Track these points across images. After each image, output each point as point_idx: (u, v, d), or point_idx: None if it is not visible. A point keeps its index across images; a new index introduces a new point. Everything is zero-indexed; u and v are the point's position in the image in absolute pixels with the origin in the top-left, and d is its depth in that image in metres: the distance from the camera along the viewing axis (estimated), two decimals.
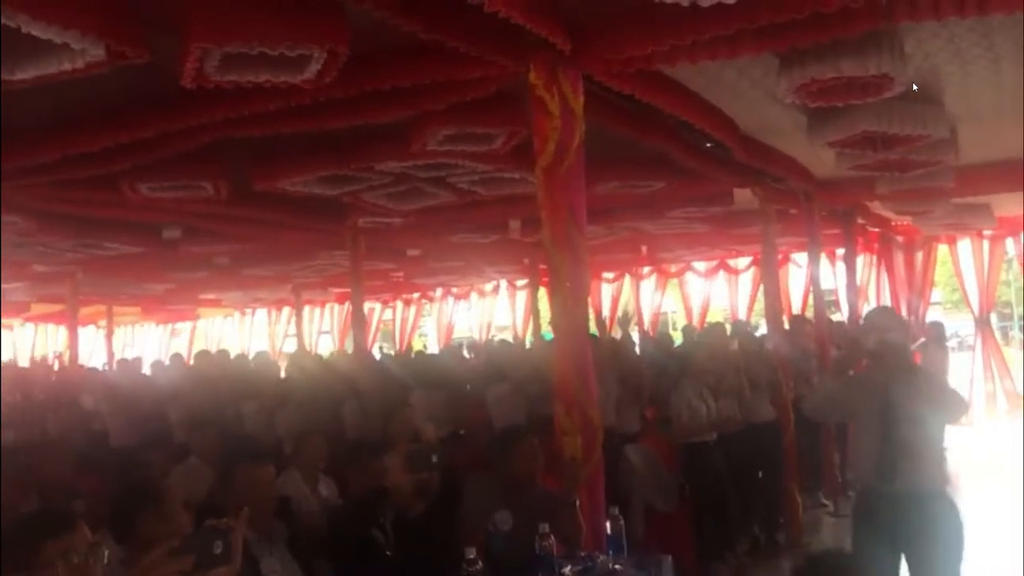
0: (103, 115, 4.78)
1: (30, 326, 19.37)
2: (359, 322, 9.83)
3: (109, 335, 15.67)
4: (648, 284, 15.88)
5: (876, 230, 12.20)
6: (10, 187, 6.09)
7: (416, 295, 18.22)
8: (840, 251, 10.91)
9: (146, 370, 11.17)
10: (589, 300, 4.40)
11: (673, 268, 15.63)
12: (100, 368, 13.21)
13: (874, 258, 13.44)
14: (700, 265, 15.39)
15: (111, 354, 14.83)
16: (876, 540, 4.06)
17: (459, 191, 7.14)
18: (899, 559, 4.06)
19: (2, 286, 12.05)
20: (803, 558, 2.37)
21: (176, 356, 12.11)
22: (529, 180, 6.48)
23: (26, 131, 5.11)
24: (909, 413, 4.01)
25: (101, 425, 8.17)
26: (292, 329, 18.38)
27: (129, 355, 14.60)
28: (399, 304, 18.66)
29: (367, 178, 6.50)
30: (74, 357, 12.09)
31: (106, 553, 2.09)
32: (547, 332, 12.53)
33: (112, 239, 8.84)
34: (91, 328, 18.38)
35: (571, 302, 3.95)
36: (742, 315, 14.58)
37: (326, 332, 19.54)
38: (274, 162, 6.04)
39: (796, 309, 13.20)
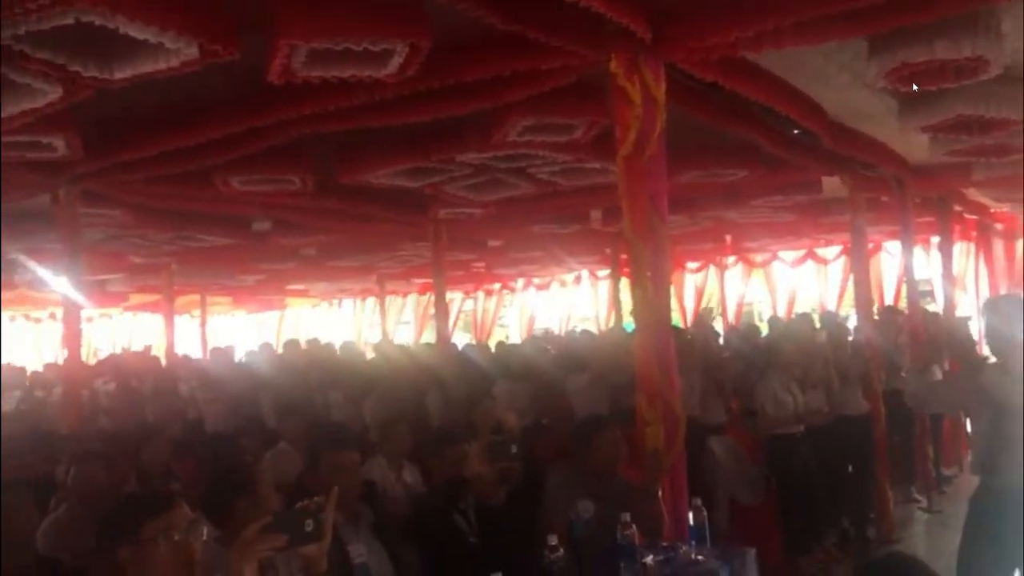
0: (197, 112, 4.95)
1: (129, 315, 20.13)
2: (441, 312, 9.94)
3: (203, 324, 16.17)
4: (733, 274, 15.61)
5: (974, 218, 11.73)
6: (111, 182, 6.37)
7: (497, 286, 18.31)
8: (935, 240, 10.55)
9: (238, 358, 11.50)
10: (672, 290, 4.37)
11: (759, 258, 15.32)
12: (195, 356, 13.67)
13: (972, 247, 12.92)
14: (787, 255, 15.05)
15: (205, 343, 15.30)
16: (983, 535, 3.98)
17: (539, 181, 7.15)
18: (1007, 553, 3.95)
19: (101, 277, 12.59)
20: (867, 560, 2.32)
21: (266, 345, 12.45)
22: (610, 170, 6.45)
23: (125, 129, 5.35)
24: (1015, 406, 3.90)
25: (196, 412, 8.47)
26: (376, 319, 18.69)
27: (221, 344, 15.04)
28: (480, 294, 18.79)
29: (448, 169, 6.57)
30: (170, 346, 12.54)
31: (204, 530, 2.18)
32: (629, 323, 12.50)
33: (205, 231, 9.14)
34: (185, 317, 19.02)
35: (653, 292, 3.93)
36: (831, 306, 14.21)
37: (406, 322, 19.80)
38: (358, 155, 6.16)
39: (888, 300, 12.81)
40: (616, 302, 12.99)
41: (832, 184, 7.99)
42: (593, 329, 14.16)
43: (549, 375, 7.07)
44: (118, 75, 3.90)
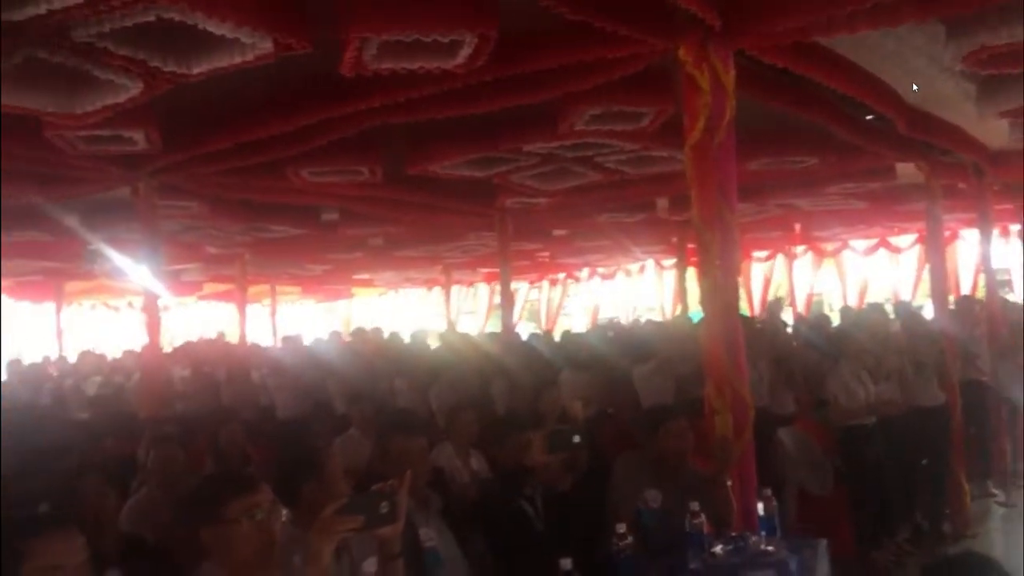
0: (270, 105, 5.06)
1: (202, 304, 20.66)
2: (507, 302, 9.99)
3: (273, 313, 16.53)
4: (802, 263, 15.34)
5: None
6: (187, 175, 6.56)
7: (562, 275, 18.30)
8: (1015, 228, 10.22)
9: (307, 346, 11.72)
10: (740, 279, 4.33)
11: (829, 247, 15.03)
12: (266, 344, 13.99)
13: None
14: (858, 243, 14.73)
15: (275, 331, 15.65)
16: None
17: (606, 170, 7.13)
18: None
19: (177, 267, 12.95)
20: (940, 557, 2.28)
21: (334, 333, 12.68)
22: (677, 158, 6.41)
23: (202, 123, 5.50)
24: None
25: (268, 398, 8.67)
26: (441, 308, 18.86)
27: (290, 332, 15.34)
28: (545, 284, 18.80)
29: (515, 159, 6.60)
30: (243, 333, 12.86)
31: (283, 512, 2.25)
32: (695, 312, 12.37)
33: (277, 222, 9.33)
34: (256, 306, 19.46)
35: (721, 281, 3.90)
36: (905, 295, 13.88)
37: (471, 312, 19.93)
38: (427, 145, 6.22)
39: (965, 289, 12.45)
40: (682, 291, 12.90)
41: (906, 171, 7.80)
42: (658, 319, 14.08)
43: (614, 364, 7.06)
44: (195, 70, 4.02)
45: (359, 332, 11.60)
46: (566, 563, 2.55)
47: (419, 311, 20.72)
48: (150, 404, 6.78)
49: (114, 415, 7.04)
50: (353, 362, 9.16)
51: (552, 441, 4.10)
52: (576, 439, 4.08)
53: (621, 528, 3.05)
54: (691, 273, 13.03)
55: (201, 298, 19.54)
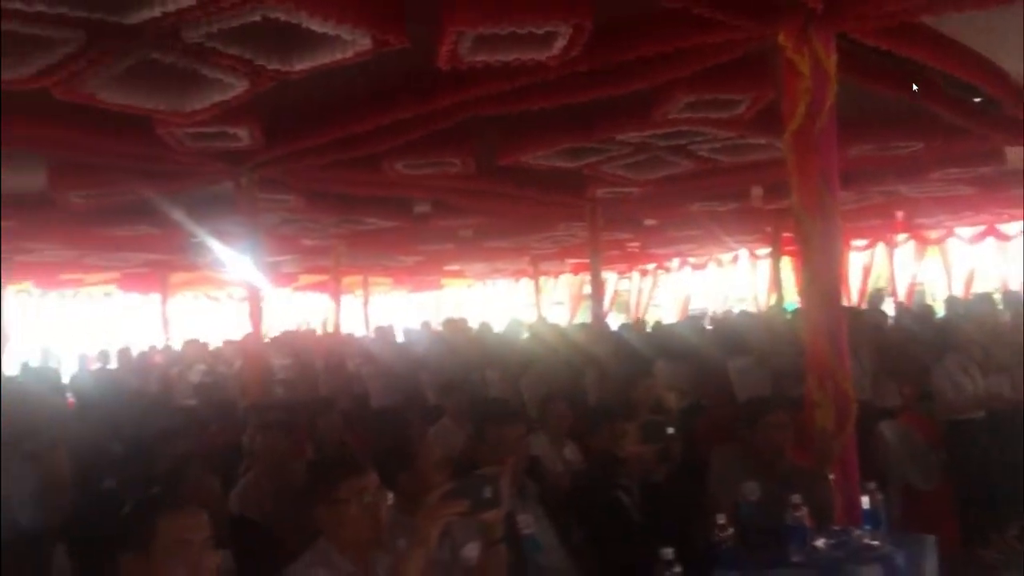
0: (367, 100, 5.16)
1: (298, 295, 21.20)
2: (597, 292, 9.96)
3: (366, 304, 16.84)
4: (904, 252, 14.83)
5: None
6: (287, 169, 6.74)
7: (652, 265, 18.13)
8: None
9: (398, 336, 11.93)
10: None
11: (933, 235, 14.48)
12: (360, 334, 14.28)
13: None
14: (964, 231, 14.15)
15: (367, 321, 15.95)
16: None
17: (699, 159, 7.05)
18: None
19: (275, 259, 13.33)
20: None
21: (425, 324, 12.87)
22: (774, 146, 6.28)
23: (301, 118, 5.65)
24: None
25: (362, 387, 8.87)
26: (529, 299, 18.91)
27: (382, 323, 15.63)
28: (635, 274, 18.66)
29: (607, 149, 6.58)
30: (337, 324, 13.16)
31: (390, 496, 2.32)
32: (790, 303, 12.11)
33: (370, 215, 9.51)
34: (349, 297, 19.85)
35: (823, 271, 3.82)
36: (1015, 286, 13.27)
37: (559, 303, 19.92)
38: (519, 136, 6.25)
39: None
40: (777, 281, 12.63)
41: (1017, 155, 7.47)
42: (752, 309, 13.83)
43: (708, 356, 6.98)
44: (298, 67, 4.14)
45: (450, 323, 11.74)
46: (667, 552, 2.54)
47: (507, 302, 20.82)
48: (252, 392, 7.00)
49: (217, 403, 7.29)
50: (444, 353, 9.29)
51: (646, 432, 4.09)
52: (670, 430, 4.07)
53: (721, 519, 3.02)
54: (786, 263, 12.77)
55: (296, 289, 20.06)
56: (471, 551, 2.57)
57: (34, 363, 11.12)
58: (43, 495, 2.69)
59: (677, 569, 2.54)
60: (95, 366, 11.80)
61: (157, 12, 3.49)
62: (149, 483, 3.86)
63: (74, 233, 9.73)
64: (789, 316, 9.34)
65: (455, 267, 17.67)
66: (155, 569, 1.97)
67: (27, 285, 14.74)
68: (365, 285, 16.78)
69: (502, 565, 2.44)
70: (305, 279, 17.80)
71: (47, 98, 4.41)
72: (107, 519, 2.95)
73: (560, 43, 3.87)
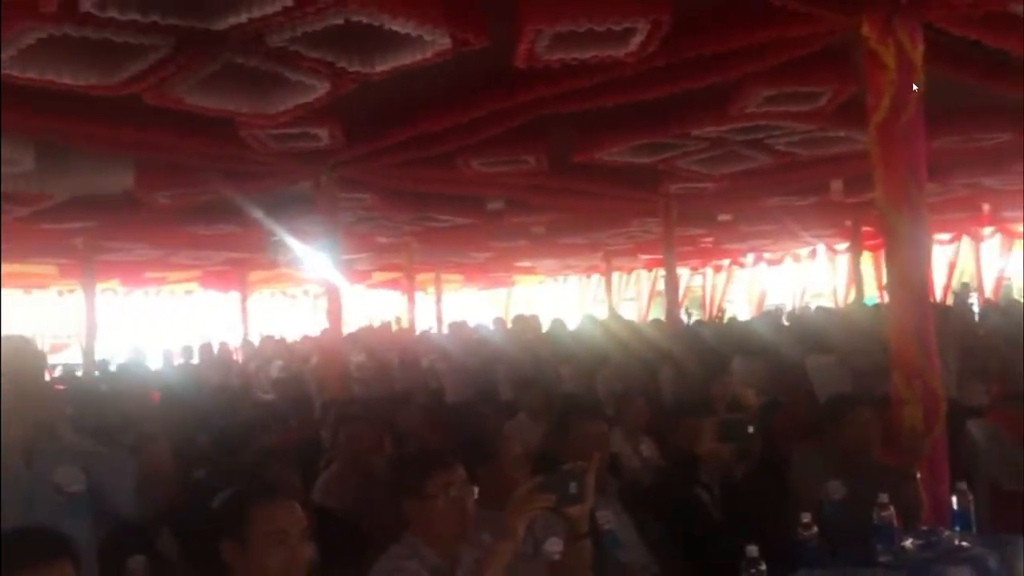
0: (444, 99, 5.22)
1: (371, 292, 21.51)
2: (671, 289, 9.89)
3: (438, 300, 17.01)
4: (990, 246, 14.35)
5: None
6: (364, 168, 6.86)
7: (726, 261, 17.91)
8: None
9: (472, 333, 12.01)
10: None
11: (1021, 228, 13.98)
12: (432, 331, 14.45)
13: None
14: None
15: (440, 318, 16.12)
16: None
17: (777, 153, 6.94)
18: None
19: (350, 256, 13.55)
20: None
21: (499, 320, 12.95)
22: (855, 138, 6.15)
23: (379, 118, 5.74)
24: None
25: (436, 383, 8.97)
26: (600, 295, 18.87)
27: (456, 319, 15.76)
28: (708, 270, 18.45)
29: (682, 144, 6.53)
30: (411, 320, 13.33)
31: (476, 491, 2.36)
32: (870, 298, 11.82)
33: (444, 212, 9.60)
34: (420, 294, 20.06)
35: (910, 265, 3.73)
36: None
37: (631, 299, 19.81)
38: (593, 133, 6.25)
39: None
40: (857, 277, 12.36)
41: None
42: (829, 305, 13.56)
43: (785, 353, 6.87)
44: (378, 68, 4.21)
45: (520, 319, 11.79)
46: (752, 550, 2.52)
47: (578, 298, 20.80)
48: (330, 388, 7.13)
49: (295, 398, 7.45)
50: (518, 348, 9.33)
51: (725, 429, 4.05)
52: (751, 429, 4.02)
53: (806, 518, 2.98)
54: (866, 258, 12.48)
55: (370, 286, 20.37)
56: (553, 545, 2.59)
57: (121, 360, 11.53)
58: (144, 486, 2.80)
59: (762, 567, 2.52)
60: (178, 362, 12.18)
61: (243, 18, 3.59)
62: (235, 475, 3.99)
63: (159, 232, 10.07)
64: (869, 312, 9.13)
65: (526, 264, 17.72)
66: (252, 557, 2.04)
67: (113, 283, 15.25)
68: (437, 282, 16.95)
69: (587, 560, 2.45)
70: (378, 276, 18.06)
71: (136, 102, 4.58)
72: (201, 508, 3.07)
73: (638, 39, 3.86)
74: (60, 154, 5.97)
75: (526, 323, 11.31)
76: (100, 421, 3.93)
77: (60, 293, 16.04)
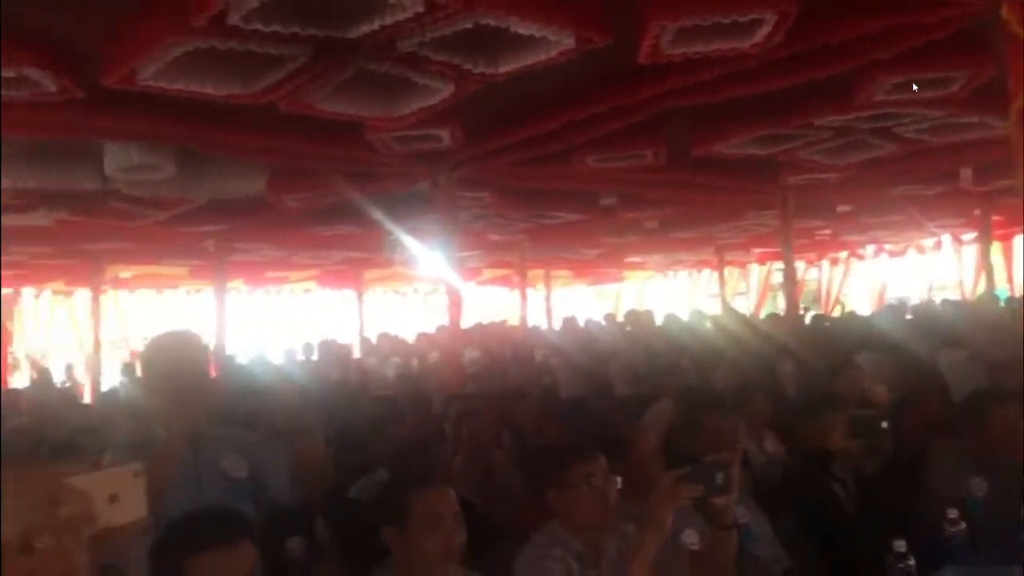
0: (564, 97, 5.27)
1: (481, 289, 21.77)
2: (790, 282, 9.70)
3: (548, 297, 17.09)
4: None
5: None
6: (483, 167, 6.98)
7: (844, 253, 17.37)
8: None
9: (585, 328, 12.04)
10: None
11: None
12: (543, 327, 14.54)
13: None
14: None
15: (550, 314, 16.20)
16: None
17: (904, 141, 6.71)
18: None
19: (462, 254, 13.76)
20: None
21: (610, 316, 12.94)
22: (987, 124, 5.92)
23: (498, 117, 5.84)
24: None
25: (550, 378, 9.03)
26: (711, 290, 18.58)
27: (568, 315, 15.81)
28: (825, 263, 17.94)
29: (803, 135, 6.40)
30: (524, 316, 13.45)
31: (618, 481, 2.41)
32: (1000, 290, 11.29)
33: (557, 209, 9.67)
34: (530, 290, 20.16)
35: None
36: None
37: (742, 293, 19.44)
38: (713, 126, 6.19)
39: None
40: (986, 268, 11.82)
41: None
42: (955, 297, 13.01)
43: (913, 347, 6.65)
44: (502, 69, 4.30)
45: (634, 314, 11.75)
46: (900, 545, 2.49)
47: (688, 293, 20.54)
48: (449, 383, 7.29)
49: (414, 394, 7.64)
50: (631, 344, 9.32)
51: (856, 425, 3.97)
52: (884, 425, 3.93)
53: (953, 514, 2.91)
54: (996, 248, 11.93)
55: (479, 283, 20.62)
56: (690, 537, 2.61)
57: (248, 357, 12.02)
58: (302, 475, 2.96)
59: (911, 561, 2.48)
60: (300, 359, 12.61)
61: (376, 25, 3.74)
62: (364, 468, 4.14)
63: (284, 234, 10.49)
64: (1003, 304, 8.74)
65: (636, 259, 17.62)
66: (412, 540, 2.15)
67: (237, 283, 15.92)
68: (547, 278, 17.04)
69: (732, 551, 2.47)
70: (488, 273, 18.27)
71: (268, 110, 4.80)
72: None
73: (764, 30, 3.83)
74: (199, 161, 6.31)
75: (639, 318, 11.27)
76: (252, 412, 4.14)
77: (188, 293, 16.90)
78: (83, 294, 14.14)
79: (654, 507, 2.24)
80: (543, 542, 2.44)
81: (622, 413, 6.05)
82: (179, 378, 2.57)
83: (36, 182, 6.21)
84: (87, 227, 8.76)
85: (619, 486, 2.45)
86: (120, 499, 1.07)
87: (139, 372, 2.87)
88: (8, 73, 4.08)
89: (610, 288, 22.56)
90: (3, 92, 4.23)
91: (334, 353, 12.50)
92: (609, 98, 5.11)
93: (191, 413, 2.60)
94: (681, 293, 20.92)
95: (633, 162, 6.86)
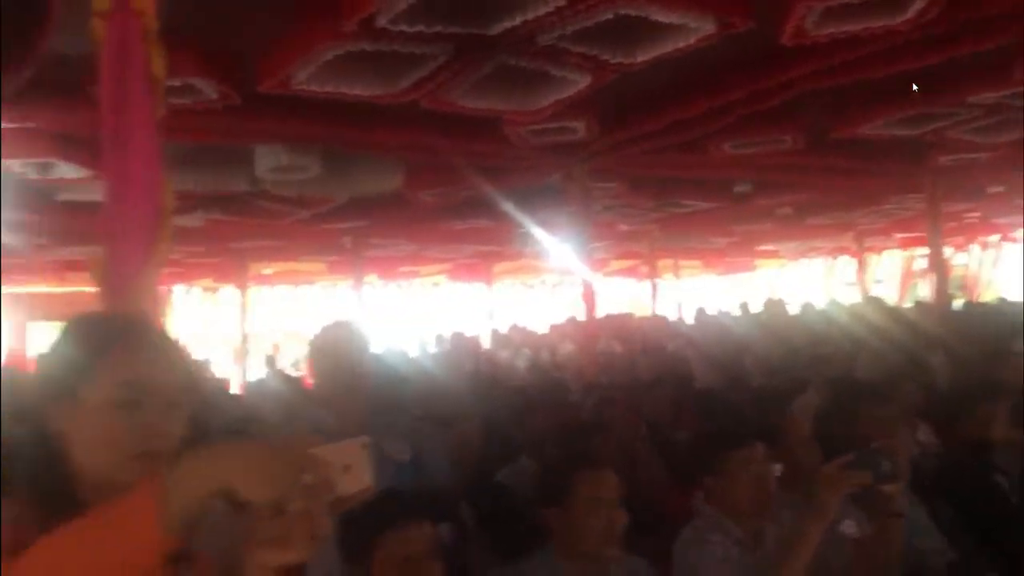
0: (701, 83, 5.21)
1: (608, 280, 21.69)
2: (939, 269, 9.27)
3: (677, 287, 16.91)
4: None
5: None
6: (616, 158, 6.97)
7: (995, 237, 16.43)
8: None
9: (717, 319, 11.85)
10: None
11: None
12: (673, 317, 14.39)
13: None
14: None
15: (680, 304, 16.02)
16: None
17: None
18: None
19: (591, 245, 13.75)
20: None
21: (744, 305, 12.67)
22: None
23: (633, 106, 5.82)
24: None
25: (685, 369, 8.95)
26: (847, 278, 17.94)
27: (700, 306, 15.60)
28: (975, 247, 17.02)
29: (954, 113, 6.10)
30: (655, 307, 13.35)
31: (778, 468, 2.39)
32: None
33: (689, 197, 9.54)
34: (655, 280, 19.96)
35: None
36: None
37: (879, 281, 18.67)
38: (856, 106, 5.98)
39: None
40: None
41: None
42: None
43: None
44: (640, 58, 4.29)
45: (770, 304, 11.49)
46: None
47: (824, 281, 19.89)
48: (586, 374, 7.33)
49: (548, 385, 7.71)
50: (767, 334, 9.12)
51: (1020, 414, 3.78)
52: None
53: None
54: None
55: (605, 274, 20.57)
56: (849, 527, 2.56)
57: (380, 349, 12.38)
58: (458, 458, 3.06)
59: None
60: (433, 351, 12.92)
61: (517, 21, 3.80)
62: (505, 456, 4.23)
63: (419, 229, 10.77)
64: None
65: (768, 247, 17.18)
66: (575, 521, 2.21)
67: (371, 278, 16.43)
68: (676, 268, 16.86)
69: (900, 539, 2.42)
70: (615, 264, 18.20)
71: (408, 108, 4.95)
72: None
73: (917, 5, 3.69)
74: (342, 160, 6.56)
75: (775, 308, 11.02)
76: (404, 399, 4.30)
77: (323, 288, 17.57)
78: (228, 290, 14.92)
79: (821, 494, 2.21)
80: (702, 527, 2.45)
81: (761, 404, 5.96)
82: (346, 366, 2.71)
83: (194, 185, 6.61)
84: (236, 226, 9.24)
85: (778, 473, 2.44)
86: (351, 469, 1.16)
87: (304, 362, 3.02)
88: (174, 82, 4.36)
89: (741, 277, 22.09)
90: (169, 100, 4.53)
91: (465, 345, 12.75)
92: (748, 83, 5.02)
93: (358, 399, 2.73)
94: (815, 282, 20.28)
95: (770, 147, 6.70)
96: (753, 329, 9.91)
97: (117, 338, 1.33)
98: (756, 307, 12.03)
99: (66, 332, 1.37)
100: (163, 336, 1.39)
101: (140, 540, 1.05)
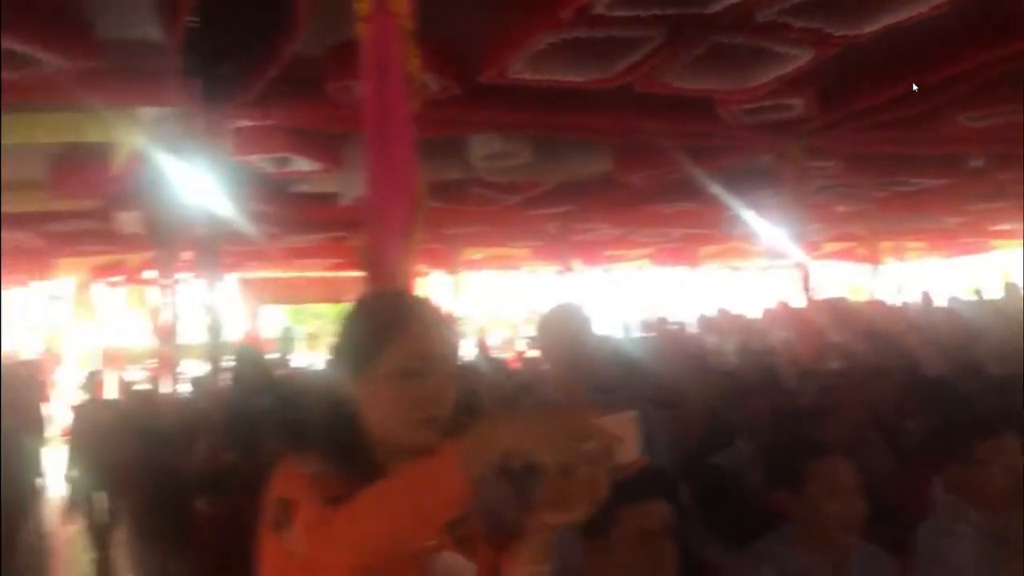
0: (933, 51, 4.88)
1: (819, 263, 20.64)
2: None
3: (901, 270, 15.92)
4: None
5: None
6: (834, 135, 6.65)
7: None
8: None
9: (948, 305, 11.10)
10: None
11: None
12: (899, 302, 13.57)
13: None
14: None
15: (901, 288, 15.09)
16: None
17: None
18: None
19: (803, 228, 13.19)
20: None
21: (978, 290, 11.79)
22: None
23: (854, 80, 5.53)
24: None
25: (908, 355, 8.42)
26: None
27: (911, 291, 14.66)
28: None
29: None
30: (875, 292, 12.66)
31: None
32: None
33: (915, 175, 8.94)
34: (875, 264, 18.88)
35: None
36: None
37: None
38: None
39: None
40: None
41: None
42: None
43: None
44: (867, 29, 4.09)
45: (1012, 288, 10.62)
46: None
47: None
48: (805, 360, 7.09)
49: (757, 369, 7.50)
50: (1003, 321, 8.44)
51: None
52: None
53: None
54: None
55: (816, 257, 19.61)
56: None
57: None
58: (678, 440, 3.07)
59: None
60: (637, 335, 12.88)
61: None
62: (718, 440, 4.16)
63: (626, 213, 10.75)
64: None
65: (1005, 227, 15.78)
66: (811, 506, 2.16)
67: (575, 262, 16.59)
68: (899, 251, 15.88)
69: None
70: (828, 247, 17.37)
71: (615, 91, 4.94)
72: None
73: None
74: (552, 145, 6.68)
75: (1015, 292, 10.18)
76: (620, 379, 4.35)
77: (527, 273, 17.92)
78: (437, 275, 15.51)
79: None
80: (947, 518, 2.34)
81: (1001, 394, 5.52)
82: (572, 345, 2.78)
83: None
84: (450, 213, 9.60)
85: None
86: (624, 440, 1.23)
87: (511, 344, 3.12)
88: None
89: (972, 260, 20.43)
90: None
91: (671, 330, 12.62)
92: (989, 49, 4.64)
93: (584, 376, 2.80)
94: None
95: (1012, 118, 6.15)
96: (988, 316, 9.21)
97: (407, 316, 1.46)
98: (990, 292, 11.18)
99: (356, 311, 1.53)
100: (442, 313, 1.52)
101: (445, 497, 1.18)
